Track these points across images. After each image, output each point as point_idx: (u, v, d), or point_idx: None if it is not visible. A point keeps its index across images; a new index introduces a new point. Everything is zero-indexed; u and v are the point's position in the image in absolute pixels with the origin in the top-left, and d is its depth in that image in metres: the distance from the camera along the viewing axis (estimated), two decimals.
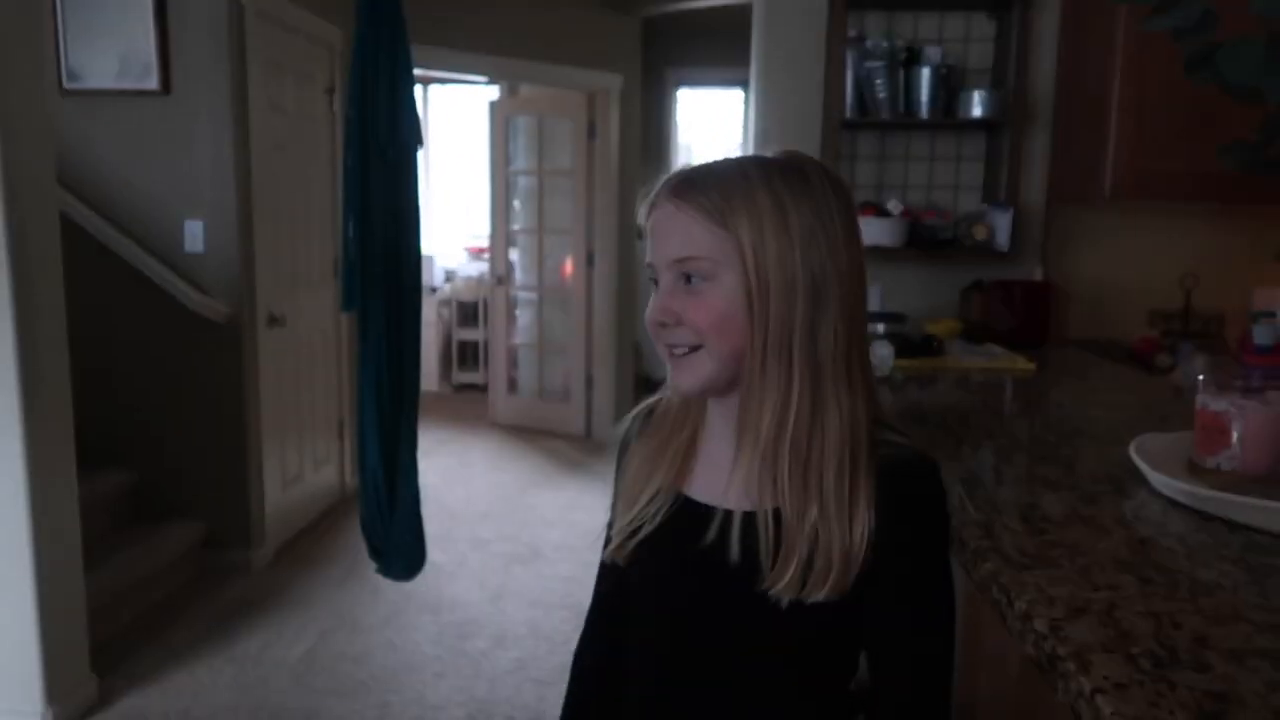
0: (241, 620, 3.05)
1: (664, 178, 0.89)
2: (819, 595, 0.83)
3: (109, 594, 2.86)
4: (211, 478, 3.41)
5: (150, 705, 2.54)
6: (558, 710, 1.10)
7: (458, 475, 4.79)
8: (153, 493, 3.37)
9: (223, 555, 3.42)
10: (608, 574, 1.05)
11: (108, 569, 2.91)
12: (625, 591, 1.00)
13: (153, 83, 3.19)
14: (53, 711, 2.38)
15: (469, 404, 6.30)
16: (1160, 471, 1.25)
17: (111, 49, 3.19)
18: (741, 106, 6.37)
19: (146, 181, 3.27)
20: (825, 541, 0.83)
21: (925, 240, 2.95)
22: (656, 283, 0.89)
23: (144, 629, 2.96)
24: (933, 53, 2.95)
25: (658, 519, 0.93)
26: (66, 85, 3.19)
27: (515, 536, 3.91)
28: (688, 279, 0.86)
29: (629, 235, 5.44)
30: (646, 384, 6.04)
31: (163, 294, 3.23)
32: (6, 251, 2.22)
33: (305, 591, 3.30)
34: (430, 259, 6.65)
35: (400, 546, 2.48)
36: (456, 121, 7.04)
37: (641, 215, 0.91)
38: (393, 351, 2.45)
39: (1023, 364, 2.45)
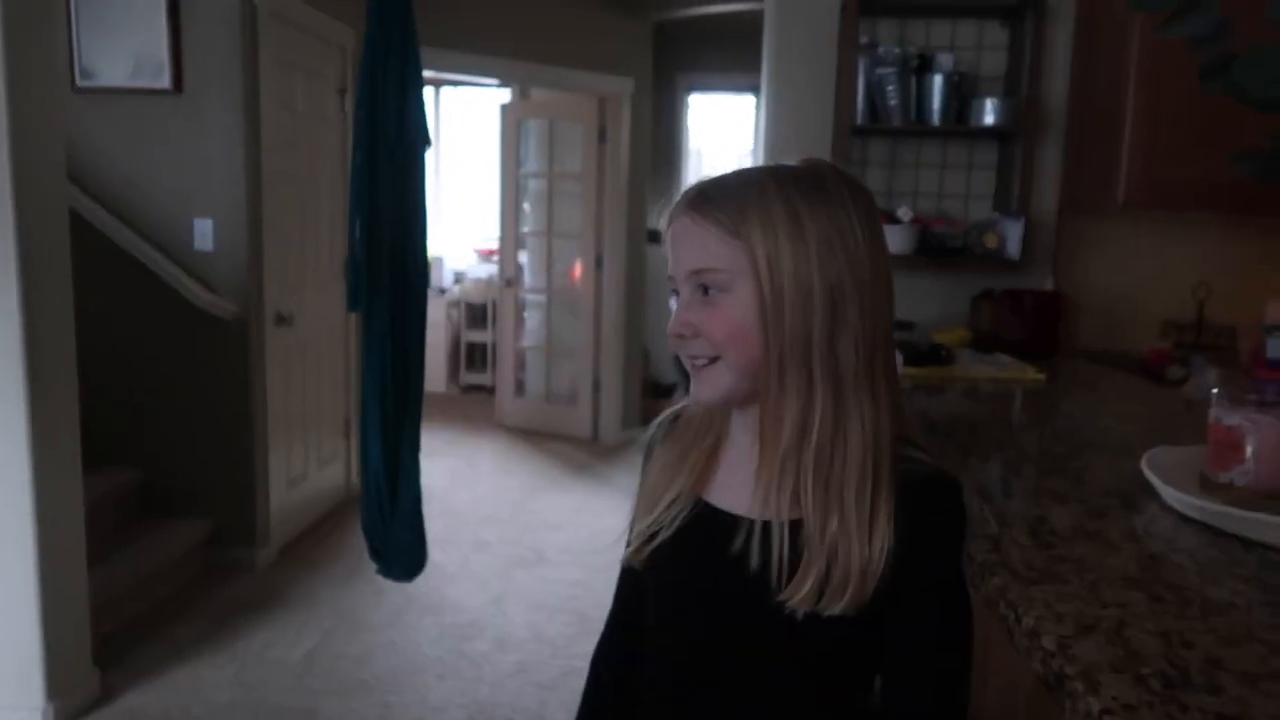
0: (244, 618, 3.04)
1: (683, 189, 0.89)
2: (836, 609, 0.81)
3: (114, 589, 2.86)
4: (218, 476, 3.41)
5: (151, 702, 2.54)
6: (559, 715, 1.09)
7: (464, 477, 4.79)
8: (159, 490, 3.37)
9: (227, 553, 3.42)
10: (626, 579, 1.05)
11: (113, 564, 2.91)
12: (643, 597, 1.00)
13: (165, 81, 3.19)
14: (54, 706, 2.38)
15: (476, 405, 6.30)
16: (1172, 486, 1.23)
17: (124, 48, 3.20)
18: (753, 112, 6.36)
19: (157, 179, 3.28)
20: (844, 554, 0.81)
21: (935, 248, 2.93)
22: (678, 294, 0.89)
23: (148, 625, 2.96)
24: (945, 60, 2.93)
25: (676, 524, 0.92)
26: (79, 83, 3.20)
27: (519, 540, 3.90)
28: (705, 290, 0.86)
29: (638, 240, 5.43)
30: (655, 389, 6.02)
31: (171, 291, 3.24)
32: (15, 247, 2.22)
33: (308, 591, 3.29)
34: (440, 260, 6.66)
35: (401, 548, 2.47)
36: (468, 124, 7.05)
37: (661, 227, 0.91)
38: (397, 352, 2.44)
39: (1032, 374, 2.43)
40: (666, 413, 1.03)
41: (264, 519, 3.49)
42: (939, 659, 0.84)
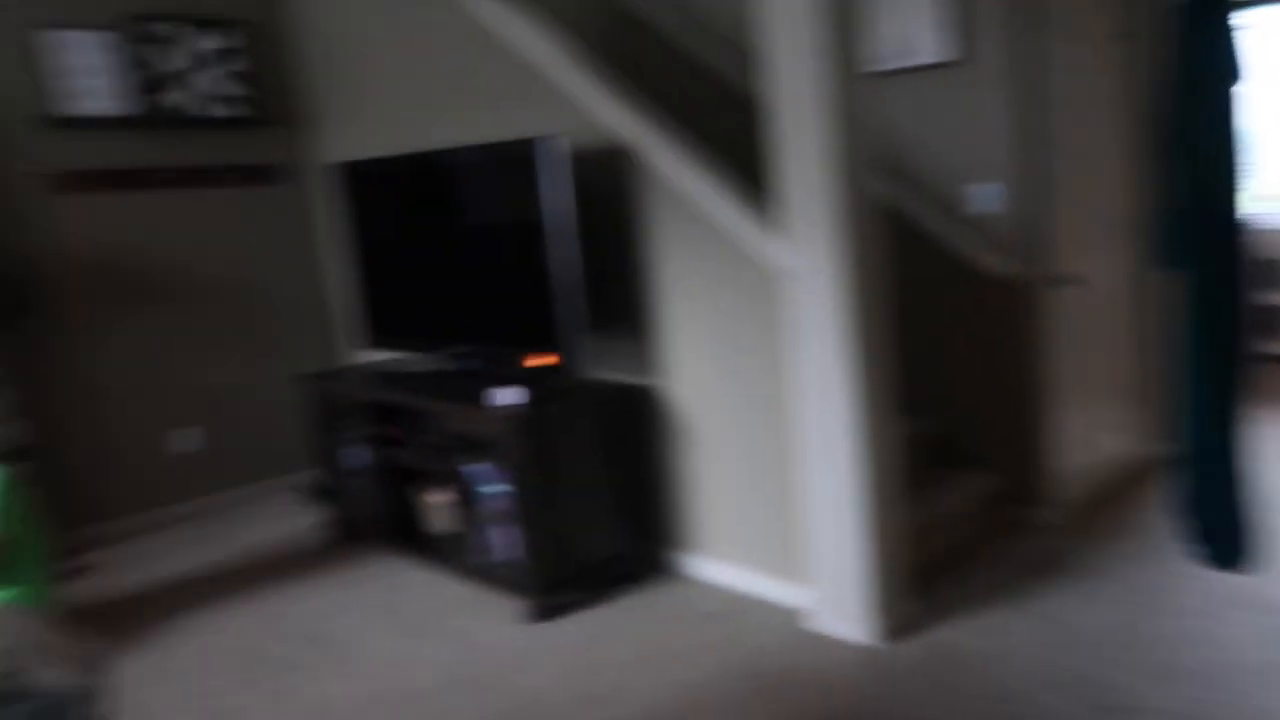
0: (1032, 577, 3.10)
1: None
2: None
3: (914, 529, 3.19)
4: (1004, 434, 3.52)
5: (961, 639, 2.75)
6: None
7: (1275, 460, 4.06)
8: (952, 442, 3.64)
9: (1013, 511, 3.52)
10: None
11: (912, 506, 3.24)
12: None
13: (946, 56, 3.40)
14: (875, 626, 2.77)
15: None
16: None
17: (906, 30, 3.47)
18: None
19: (939, 149, 3.50)
20: None
21: None
22: None
23: (943, 567, 3.22)
24: None
25: None
26: (870, 69, 3.51)
27: None
28: None
29: None
30: None
31: (959, 256, 3.45)
32: (844, 237, 2.62)
33: (1097, 560, 3.19)
34: (1262, 210, 5.69)
35: (1228, 533, 2.22)
36: None
37: None
38: (1217, 316, 2.18)
39: None
40: None
41: (1051, 481, 3.49)
42: None
